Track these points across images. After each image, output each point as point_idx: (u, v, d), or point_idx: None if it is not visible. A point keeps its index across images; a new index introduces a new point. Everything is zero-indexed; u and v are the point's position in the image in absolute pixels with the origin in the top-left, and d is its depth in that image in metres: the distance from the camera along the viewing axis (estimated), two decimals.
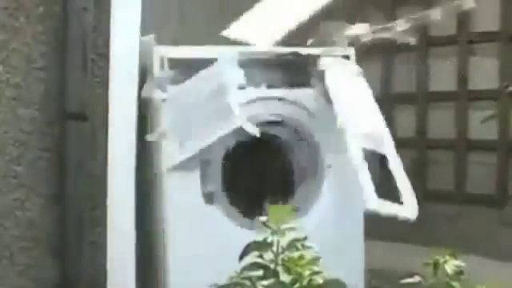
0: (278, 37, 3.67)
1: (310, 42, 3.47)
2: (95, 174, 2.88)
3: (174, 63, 3.06)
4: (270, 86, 3.19)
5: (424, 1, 4.85)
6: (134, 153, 2.90)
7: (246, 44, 3.58)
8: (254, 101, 3.14)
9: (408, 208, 2.95)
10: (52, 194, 2.85)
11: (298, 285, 2.15)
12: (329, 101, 3.18)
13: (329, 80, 3.22)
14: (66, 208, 2.85)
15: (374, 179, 2.97)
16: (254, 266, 2.20)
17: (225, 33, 3.71)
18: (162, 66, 3.03)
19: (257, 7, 3.81)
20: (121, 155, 2.88)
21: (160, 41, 3.07)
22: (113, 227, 2.86)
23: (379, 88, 5.31)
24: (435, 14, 3.33)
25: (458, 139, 4.92)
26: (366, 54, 3.39)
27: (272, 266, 2.17)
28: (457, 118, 4.96)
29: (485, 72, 4.81)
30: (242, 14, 3.82)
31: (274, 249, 2.19)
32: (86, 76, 2.86)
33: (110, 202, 2.86)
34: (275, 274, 2.17)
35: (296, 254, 2.20)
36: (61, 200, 2.85)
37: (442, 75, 5.08)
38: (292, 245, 2.25)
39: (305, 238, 2.27)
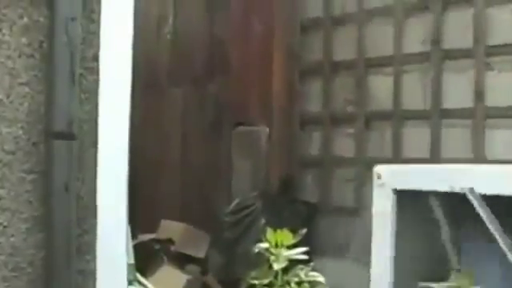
0: None
1: None
2: (84, 198, 2.77)
3: None
4: None
5: (434, 10, 4.83)
6: (125, 174, 2.79)
7: None
8: None
9: None
10: (37, 218, 2.73)
11: None
12: None
13: None
14: (52, 234, 2.73)
15: None
16: None
17: None
18: None
19: None
20: (111, 177, 2.78)
21: None
22: (103, 255, 2.76)
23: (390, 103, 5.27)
24: None
25: (475, 159, 4.78)
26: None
27: None
28: (473, 136, 4.85)
29: (503, 87, 4.69)
30: None
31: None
32: (73, 91, 2.75)
33: (99, 227, 2.76)
34: None
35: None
36: (46, 225, 2.73)
37: (458, 91, 4.96)
38: (295, 273, 2.20)
39: (309, 266, 2.19)
